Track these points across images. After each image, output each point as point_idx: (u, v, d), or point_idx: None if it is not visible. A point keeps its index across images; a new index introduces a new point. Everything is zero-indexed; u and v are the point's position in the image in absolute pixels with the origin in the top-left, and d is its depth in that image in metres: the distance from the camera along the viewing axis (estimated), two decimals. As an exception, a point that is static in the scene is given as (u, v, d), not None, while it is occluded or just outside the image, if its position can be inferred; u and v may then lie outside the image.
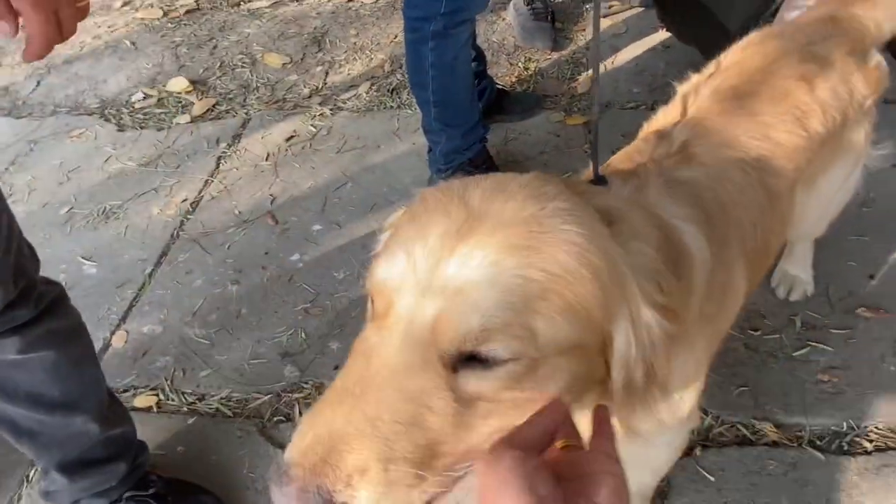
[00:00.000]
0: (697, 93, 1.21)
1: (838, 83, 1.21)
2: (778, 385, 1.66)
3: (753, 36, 1.36)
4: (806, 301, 1.82)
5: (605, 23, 2.96)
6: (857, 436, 1.54)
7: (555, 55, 2.87)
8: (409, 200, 0.83)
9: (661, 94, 1.36)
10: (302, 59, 3.14)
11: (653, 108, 1.31)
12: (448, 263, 0.63)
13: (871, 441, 1.52)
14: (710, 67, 1.30)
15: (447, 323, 0.62)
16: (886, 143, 1.48)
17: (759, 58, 1.26)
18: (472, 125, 2.16)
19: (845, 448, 1.52)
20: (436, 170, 2.26)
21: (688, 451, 1.52)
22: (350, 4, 3.49)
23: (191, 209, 2.41)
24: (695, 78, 1.30)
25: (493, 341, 0.61)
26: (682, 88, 1.27)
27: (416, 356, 0.62)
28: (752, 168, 1.09)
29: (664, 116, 1.22)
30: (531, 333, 0.62)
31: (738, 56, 1.30)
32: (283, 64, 3.12)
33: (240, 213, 2.37)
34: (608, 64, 2.77)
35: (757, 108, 1.15)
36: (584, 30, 2.98)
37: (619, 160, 1.13)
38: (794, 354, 1.71)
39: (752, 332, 1.77)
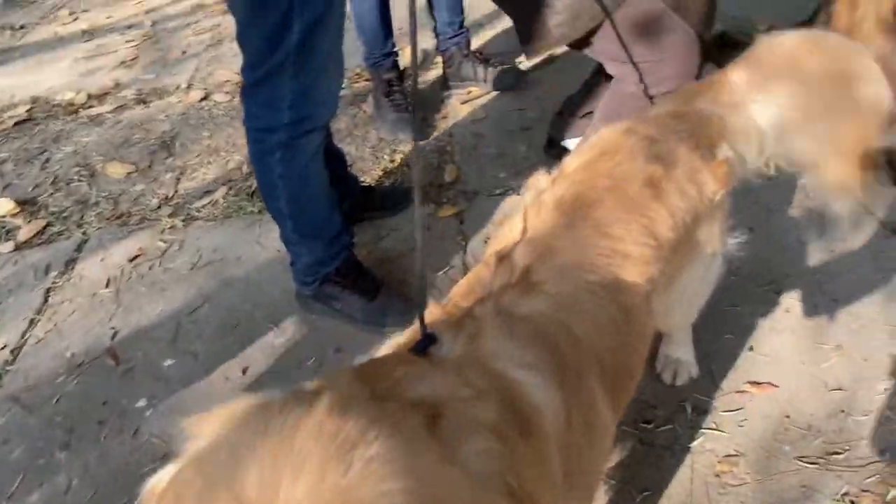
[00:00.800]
0: (541, 203, 1.12)
1: (685, 183, 1.17)
2: (680, 483, 1.56)
3: (602, 133, 1.31)
4: (692, 384, 1.77)
5: (464, 109, 2.97)
6: (766, 531, 1.46)
7: (419, 145, 2.82)
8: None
9: (525, 178, 1.32)
10: (149, 167, 2.89)
11: (519, 193, 1.23)
12: None
13: (779, 535, 1.45)
14: (555, 171, 1.23)
15: None
16: (741, 228, 1.47)
17: (604, 160, 1.20)
18: (335, 234, 2.00)
19: (756, 548, 1.43)
20: (300, 283, 2.06)
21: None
22: (202, 104, 3.31)
23: (10, 359, 2.04)
24: (540, 181, 1.22)
25: None
26: (526, 196, 1.19)
27: None
28: (602, 288, 1.00)
29: (509, 231, 1.12)
30: None
31: (585, 157, 1.24)
32: (128, 173, 2.85)
33: (72, 355, 2.04)
34: (471, 151, 2.74)
35: (603, 218, 1.07)
36: (445, 117, 2.96)
37: (461, 292, 1.01)
38: (690, 445, 1.63)
39: (644, 426, 1.68)
